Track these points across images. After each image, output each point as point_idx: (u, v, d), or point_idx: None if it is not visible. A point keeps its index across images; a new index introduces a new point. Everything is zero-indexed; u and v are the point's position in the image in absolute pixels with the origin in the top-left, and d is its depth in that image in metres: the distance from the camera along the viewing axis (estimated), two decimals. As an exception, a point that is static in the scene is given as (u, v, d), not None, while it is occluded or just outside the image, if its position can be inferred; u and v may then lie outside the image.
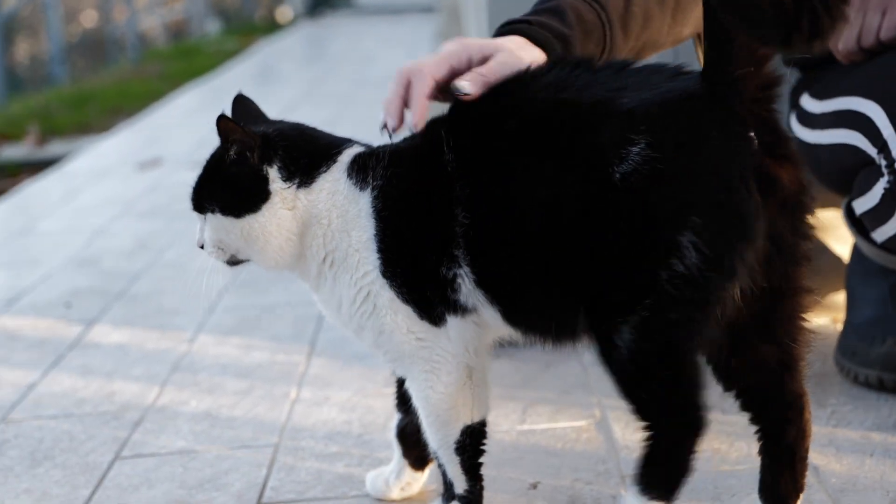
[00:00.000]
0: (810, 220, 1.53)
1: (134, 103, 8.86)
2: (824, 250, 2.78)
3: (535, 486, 1.94)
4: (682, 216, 1.45)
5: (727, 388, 1.63)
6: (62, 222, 4.50)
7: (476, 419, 1.72)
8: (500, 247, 1.58)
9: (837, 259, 2.75)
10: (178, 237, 3.98)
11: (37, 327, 3.10)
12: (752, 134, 1.47)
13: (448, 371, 1.69)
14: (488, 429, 1.74)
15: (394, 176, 1.66)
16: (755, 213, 1.45)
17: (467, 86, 1.63)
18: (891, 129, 2.05)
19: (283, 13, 18.15)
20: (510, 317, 1.64)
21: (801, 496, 1.63)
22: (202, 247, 1.73)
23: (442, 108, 1.68)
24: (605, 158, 1.48)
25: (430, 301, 1.65)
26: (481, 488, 1.75)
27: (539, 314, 1.62)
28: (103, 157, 6.03)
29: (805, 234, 1.53)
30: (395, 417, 1.90)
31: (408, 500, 1.92)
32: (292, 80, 8.89)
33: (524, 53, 1.72)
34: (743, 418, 1.64)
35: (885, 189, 2.06)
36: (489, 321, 1.66)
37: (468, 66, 1.70)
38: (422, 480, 1.92)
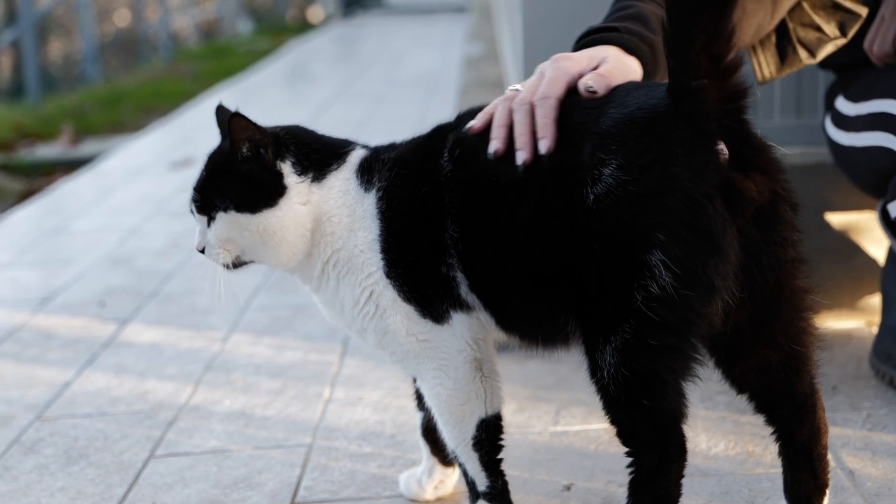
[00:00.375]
0: (790, 226, 1.51)
1: (166, 103, 8.92)
2: (859, 253, 2.77)
3: (568, 488, 1.94)
4: (648, 235, 1.45)
5: (739, 392, 1.63)
6: (96, 221, 4.53)
7: (490, 412, 1.73)
8: (489, 261, 1.60)
9: (872, 261, 2.73)
10: (210, 237, 3.98)
11: (71, 326, 3.12)
12: (721, 146, 1.46)
13: (456, 367, 1.70)
14: (520, 430, 1.74)
15: (397, 178, 1.68)
16: (722, 228, 1.44)
17: (593, 85, 1.61)
18: (927, 132, 2.04)
19: (315, 13, 18.21)
20: (502, 324, 1.66)
21: (827, 492, 1.63)
22: (202, 251, 1.73)
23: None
24: (580, 179, 1.49)
25: (432, 299, 1.67)
26: (504, 483, 1.75)
27: (529, 324, 1.64)
28: (136, 157, 6.07)
29: (785, 240, 1.50)
30: (417, 416, 1.91)
31: (441, 501, 1.93)
32: (324, 79, 8.91)
33: (627, 60, 1.71)
34: (776, 422, 1.64)
35: (921, 192, 2.05)
36: (486, 324, 1.69)
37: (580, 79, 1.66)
38: (454, 477, 1.93)
